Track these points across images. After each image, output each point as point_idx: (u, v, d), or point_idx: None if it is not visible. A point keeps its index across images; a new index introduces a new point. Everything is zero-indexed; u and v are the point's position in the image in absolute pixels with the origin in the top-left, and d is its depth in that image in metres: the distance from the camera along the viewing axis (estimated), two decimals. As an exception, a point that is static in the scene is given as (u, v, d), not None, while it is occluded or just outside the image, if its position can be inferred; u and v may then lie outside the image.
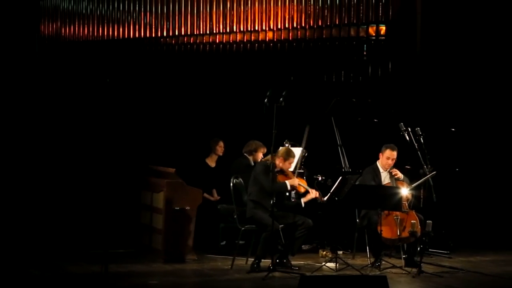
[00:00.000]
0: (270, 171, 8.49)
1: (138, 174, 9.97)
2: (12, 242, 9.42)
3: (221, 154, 10.28)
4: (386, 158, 8.99)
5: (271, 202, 8.34)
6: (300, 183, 8.69)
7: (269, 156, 8.75)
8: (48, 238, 9.81)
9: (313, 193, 8.65)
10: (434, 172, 8.87)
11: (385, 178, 9.05)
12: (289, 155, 8.65)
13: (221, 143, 10.26)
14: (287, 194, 9.03)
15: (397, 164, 9.17)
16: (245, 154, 9.73)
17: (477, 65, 10.98)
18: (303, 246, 9.57)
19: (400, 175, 8.97)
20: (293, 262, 8.67)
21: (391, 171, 8.99)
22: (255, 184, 8.62)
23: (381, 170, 9.07)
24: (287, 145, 9.31)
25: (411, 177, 9.14)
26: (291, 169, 9.00)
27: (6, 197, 10.51)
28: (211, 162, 10.30)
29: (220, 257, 9.29)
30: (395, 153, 8.98)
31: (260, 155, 9.65)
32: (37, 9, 13.40)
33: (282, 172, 8.68)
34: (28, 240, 9.61)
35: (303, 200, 8.67)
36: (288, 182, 8.56)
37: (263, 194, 8.55)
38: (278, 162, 8.63)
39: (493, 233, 10.66)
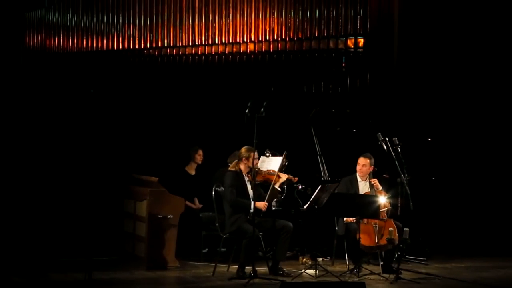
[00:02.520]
0: (240, 178, 8.51)
1: (122, 183, 9.94)
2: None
3: (200, 162, 10.30)
4: (358, 165, 9.08)
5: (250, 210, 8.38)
6: (270, 173, 8.68)
7: (234, 163, 8.76)
8: (32, 246, 9.74)
9: (284, 176, 8.65)
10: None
11: (364, 188, 9.08)
12: (248, 152, 8.62)
13: (200, 152, 10.29)
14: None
15: (375, 173, 9.20)
16: (229, 164, 9.70)
17: (452, 76, 11.05)
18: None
19: (379, 186, 8.98)
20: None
21: (370, 180, 9.01)
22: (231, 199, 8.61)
23: (359, 179, 9.11)
24: (267, 154, 9.31)
25: (388, 186, 9.17)
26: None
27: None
28: (191, 170, 10.30)
29: (202, 264, 9.27)
30: (366, 160, 9.05)
31: None
32: (22, 21, 13.35)
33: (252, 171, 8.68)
34: (11, 248, 9.53)
35: (276, 186, 8.64)
36: (253, 203, 8.50)
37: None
38: (244, 166, 8.63)
39: (468, 240, 10.70)
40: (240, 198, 8.55)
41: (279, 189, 8.70)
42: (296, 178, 8.89)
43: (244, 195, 8.58)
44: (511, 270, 9.27)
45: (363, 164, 9.07)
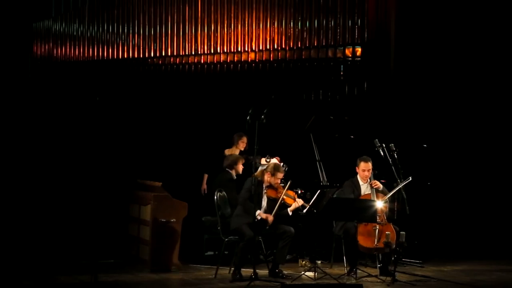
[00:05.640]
0: (259, 185, 8.53)
1: (127, 188, 9.96)
2: (3, 253, 9.35)
3: (242, 149, 10.13)
4: (362, 170, 9.03)
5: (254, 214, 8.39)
6: (288, 195, 8.71)
7: (258, 171, 8.79)
8: (40, 249, 9.75)
9: (299, 202, 8.68)
10: (409, 179, 8.93)
11: (366, 190, 9.07)
12: (277, 170, 8.66)
13: (245, 139, 10.10)
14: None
15: (375, 176, 9.20)
16: (227, 169, 9.72)
17: (447, 84, 11.07)
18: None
19: (380, 185, 8.98)
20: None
21: (371, 182, 9.01)
22: (239, 199, 8.66)
23: (361, 182, 9.10)
24: (268, 160, 9.34)
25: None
26: None
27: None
28: (230, 153, 10.18)
29: (204, 267, 9.28)
30: (369, 164, 9.02)
31: (241, 166, 9.65)
32: (30, 31, 13.40)
33: (271, 186, 8.68)
34: (19, 251, 9.55)
35: (289, 210, 8.68)
36: (258, 212, 8.52)
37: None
38: (267, 177, 8.64)
39: (464, 243, 10.71)
40: (251, 203, 8.53)
41: (290, 213, 8.71)
42: (308, 204, 8.90)
43: (258, 204, 8.58)
44: (505, 273, 9.27)
45: (368, 169, 9.03)
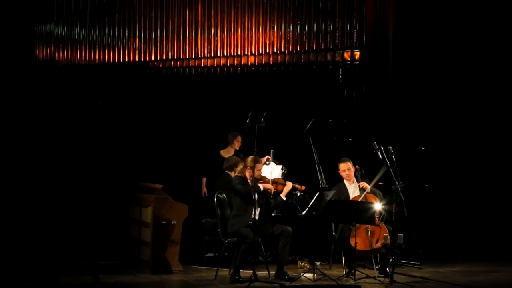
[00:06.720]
0: (246, 183, 8.55)
1: (128, 190, 9.98)
2: (5, 254, 9.37)
3: (237, 148, 10.18)
4: (343, 171, 9.11)
5: (253, 214, 8.40)
6: (276, 182, 8.73)
7: (239, 168, 8.81)
8: (41, 250, 9.77)
9: (289, 185, 8.70)
10: (385, 168, 8.94)
11: (354, 191, 9.10)
12: (256, 162, 8.63)
13: (239, 138, 10.16)
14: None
15: (371, 180, 9.24)
16: (226, 171, 9.74)
17: (445, 87, 11.11)
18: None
19: (367, 187, 9.00)
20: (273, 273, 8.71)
21: (359, 184, 9.04)
22: (234, 199, 8.68)
23: (347, 184, 9.14)
24: (267, 162, 9.36)
25: (384, 193, 9.21)
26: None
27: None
28: (225, 154, 10.17)
29: (204, 268, 9.30)
30: (348, 163, 9.08)
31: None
32: (32, 34, 13.46)
33: (257, 180, 8.70)
34: (21, 252, 9.57)
35: (282, 195, 8.69)
36: (261, 186, 8.58)
37: (244, 206, 8.59)
38: (248, 173, 8.66)
39: (461, 245, 10.73)
40: (244, 203, 8.55)
41: (285, 198, 8.73)
42: (304, 187, 8.90)
43: (249, 201, 8.60)
44: (501, 273, 9.31)
45: (348, 168, 9.09)
